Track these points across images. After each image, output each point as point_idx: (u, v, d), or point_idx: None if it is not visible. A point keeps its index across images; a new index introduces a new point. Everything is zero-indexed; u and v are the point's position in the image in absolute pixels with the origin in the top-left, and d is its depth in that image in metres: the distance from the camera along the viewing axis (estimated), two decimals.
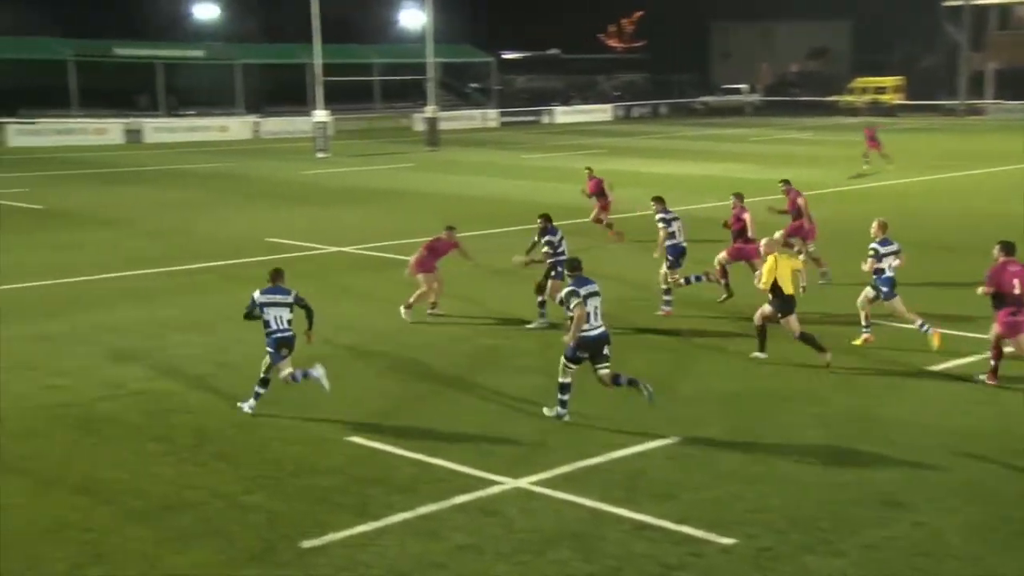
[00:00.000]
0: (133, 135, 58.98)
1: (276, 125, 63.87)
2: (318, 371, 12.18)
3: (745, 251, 17.13)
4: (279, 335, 11.98)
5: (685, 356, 14.63)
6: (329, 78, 50.74)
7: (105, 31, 67.30)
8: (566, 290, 11.77)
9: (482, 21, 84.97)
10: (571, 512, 9.29)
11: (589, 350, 11.60)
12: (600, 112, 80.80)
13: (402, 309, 16.61)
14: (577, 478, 10.05)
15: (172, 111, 66.77)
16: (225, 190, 35.45)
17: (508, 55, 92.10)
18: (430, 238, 16.80)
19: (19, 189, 35.38)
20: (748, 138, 58.88)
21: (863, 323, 14.87)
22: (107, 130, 58.63)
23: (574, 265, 12.08)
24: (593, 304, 11.58)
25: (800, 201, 19.29)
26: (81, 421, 11.88)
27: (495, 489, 9.80)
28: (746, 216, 17.27)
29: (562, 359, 11.73)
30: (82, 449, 11.05)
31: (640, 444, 10.96)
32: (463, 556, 8.47)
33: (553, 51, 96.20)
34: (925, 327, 14.47)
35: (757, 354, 14.18)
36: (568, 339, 11.62)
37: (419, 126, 60.11)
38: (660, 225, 16.84)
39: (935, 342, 14.25)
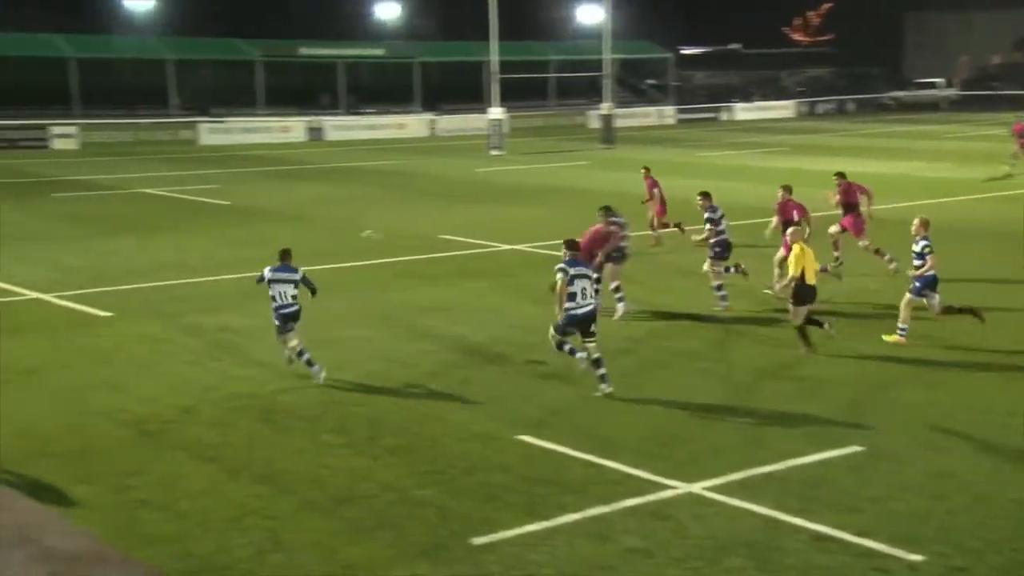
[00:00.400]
0: (315, 133, 61.07)
1: (452, 123, 65.00)
2: (317, 368, 13.38)
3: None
4: (284, 310, 13.42)
5: (871, 364, 14.17)
6: (505, 75, 51.34)
7: (291, 32, 69.92)
8: (557, 266, 12.64)
9: (661, 16, 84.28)
10: (745, 520, 9.13)
11: (578, 326, 12.53)
12: (782, 109, 79.08)
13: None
14: (752, 485, 9.86)
15: (352, 109, 68.84)
16: (401, 187, 36.30)
17: (687, 51, 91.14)
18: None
19: (209, 186, 37.11)
20: (945, 135, 56.56)
21: (902, 325, 14.86)
22: (291, 128, 60.88)
23: (571, 244, 12.99)
24: (581, 285, 12.47)
25: (860, 196, 19.57)
26: (263, 412, 12.37)
27: (667, 493, 9.71)
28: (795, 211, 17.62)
29: (551, 331, 12.70)
30: (264, 439, 11.51)
31: (818, 452, 10.67)
32: (634, 560, 8.43)
33: (734, 46, 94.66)
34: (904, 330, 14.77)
35: (806, 352, 14.29)
36: (557, 312, 12.62)
37: (594, 123, 60.14)
38: (708, 226, 17.18)
39: (890, 339, 14.84)
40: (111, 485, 10.09)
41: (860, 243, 19.51)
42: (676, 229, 23.17)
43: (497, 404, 12.37)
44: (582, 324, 12.54)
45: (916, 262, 14.81)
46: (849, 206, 19.59)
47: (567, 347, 12.91)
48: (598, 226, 16.66)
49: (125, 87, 63.80)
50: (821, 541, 8.68)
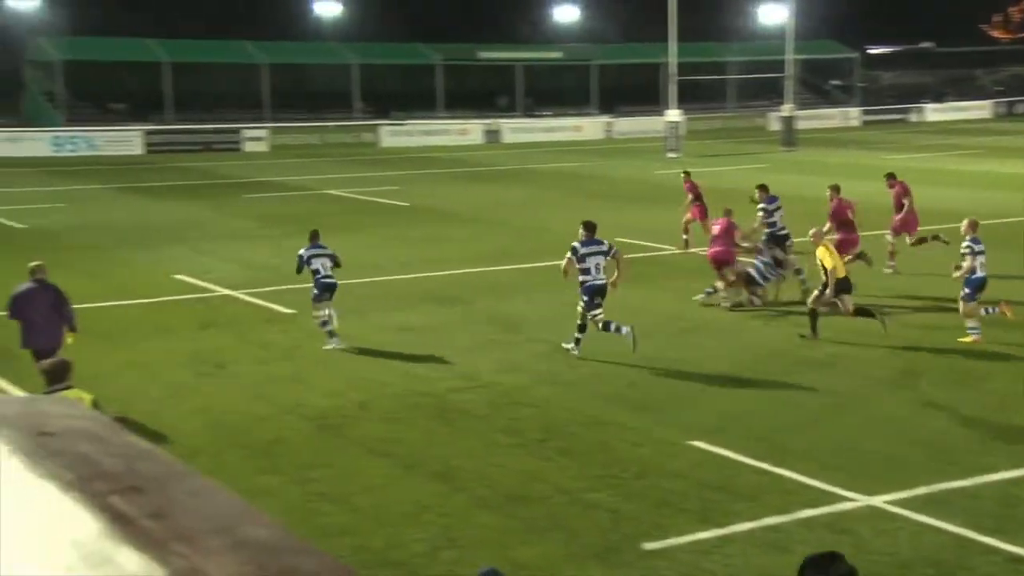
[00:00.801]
0: (492, 135, 61.90)
1: (628, 125, 64.79)
2: (336, 340, 15.07)
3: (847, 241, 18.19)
4: (325, 279, 15.20)
5: None
6: (683, 77, 50.83)
7: (470, 36, 71.09)
8: (574, 244, 14.73)
9: (846, 15, 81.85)
10: (931, 537, 8.76)
11: (589, 295, 14.50)
12: (978, 109, 75.61)
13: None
14: (939, 500, 9.45)
15: (529, 112, 69.46)
16: (576, 189, 36.40)
17: (874, 50, 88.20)
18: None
19: (390, 187, 38.09)
20: None
21: (970, 324, 14.88)
22: (469, 131, 61.89)
23: (588, 226, 14.90)
24: (594, 261, 14.58)
25: (905, 198, 20.35)
26: (437, 410, 12.60)
27: (846, 505, 9.41)
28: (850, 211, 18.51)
29: (579, 307, 14.56)
30: (438, 437, 11.72)
31: (1015, 468, 10.14)
32: None
33: (926, 44, 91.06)
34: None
35: (808, 334, 15.14)
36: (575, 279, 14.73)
37: (774, 125, 58.89)
38: (760, 215, 18.52)
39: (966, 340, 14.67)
40: (293, 477, 10.46)
41: (908, 240, 20.30)
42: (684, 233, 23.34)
43: (669, 408, 12.25)
44: (593, 294, 14.51)
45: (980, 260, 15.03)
46: (899, 206, 20.54)
47: (612, 326, 14.46)
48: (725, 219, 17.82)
49: (312, 91, 66.16)
50: (1017, 563, 8.24)
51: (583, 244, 14.73)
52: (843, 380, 13.43)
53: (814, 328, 15.14)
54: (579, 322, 14.61)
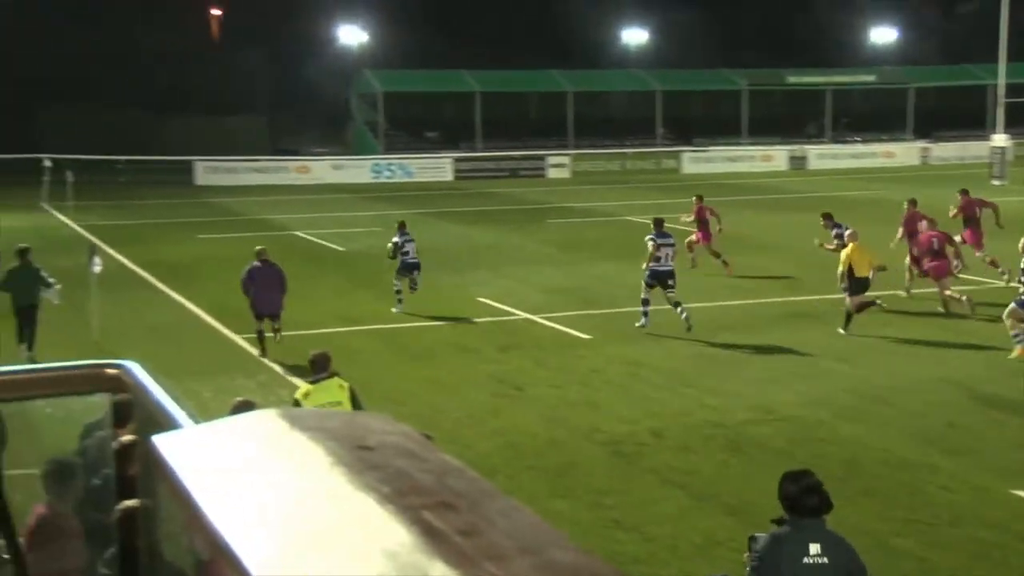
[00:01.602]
0: (797, 162, 60.44)
1: (947, 150, 61.51)
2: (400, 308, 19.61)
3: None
4: (412, 261, 20.51)
5: None
6: (1012, 99, 47.69)
7: (777, 60, 69.78)
8: (647, 236, 18.43)
9: None
10: None
11: (659, 280, 17.99)
12: None
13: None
14: None
15: (838, 138, 67.32)
16: (886, 217, 34.82)
17: None
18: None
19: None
20: None
21: (1013, 334, 15.02)
22: (773, 157, 60.73)
23: (658, 223, 18.54)
24: (665, 251, 18.08)
25: (977, 210, 22.29)
26: (731, 442, 12.39)
27: None
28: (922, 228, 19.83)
29: (642, 282, 18.05)
30: (732, 469, 11.52)
31: None
32: None
33: None
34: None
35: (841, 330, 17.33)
36: (644, 267, 18.21)
37: None
38: (835, 242, 20.03)
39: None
40: (587, 502, 10.59)
41: (977, 255, 21.75)
42: (720, 263, 24.19)
43: (988, 453, 11.46)
44: (662, 278, 18.02)
45: (1021, 278, 15.89)
46: (968, 219, 22.31)
47: (646, 308, 18.01)
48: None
49: (615, 118, 67.09)
50: None
51: (659, 236, 18.28)
52: None
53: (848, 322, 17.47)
54: (644, 296, 18.13)
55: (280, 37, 71.67)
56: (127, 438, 4.00)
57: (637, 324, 18.13)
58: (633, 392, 14.71)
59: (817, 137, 67.26)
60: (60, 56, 65.00)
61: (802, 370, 15.56)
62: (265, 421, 1.82)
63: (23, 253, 17.67)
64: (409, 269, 20.60)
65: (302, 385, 11.02)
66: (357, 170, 55.31)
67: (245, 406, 8.61)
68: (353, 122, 66.71)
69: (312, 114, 71.19)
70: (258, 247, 17.76)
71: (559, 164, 58.41)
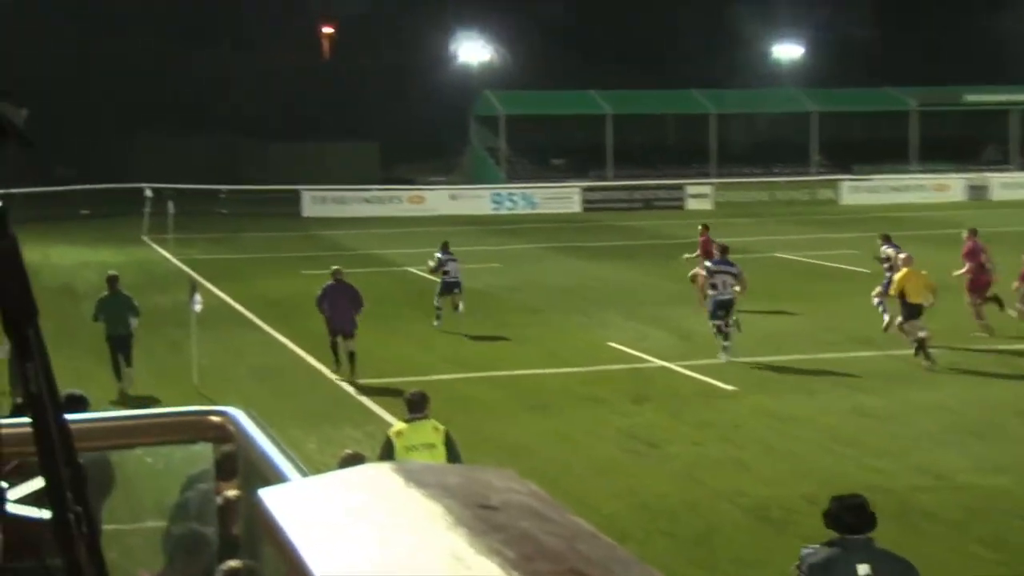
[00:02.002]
0: (977, 192, 58.87)
1: None
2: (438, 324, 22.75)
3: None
4: (451, 280, 23.15)
5: None
6: None
7: (952, 77, 68.16)
8: (705, 263, 21.07)
9: None
10: None
11: (723, 309, 19.54)
12: None
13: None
14: None
15: None
16: None
17: None
18: None
19: (847, 251, 37.25)
20: None
21: None
22: (948, 186, 59.28)
23: (723, 248, 21.17)
24: (721, 279, 19.70)
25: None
26: (897, 510, 12.08)
27: None
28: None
29: (708, 320, 19.99)
30: (901, 542, 11.19)
31: None
32: None
33: None
34: None
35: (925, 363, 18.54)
36: (702, 299, 20.92)
37: None
38: (886, 264, 22.30)
39: None
40: (727, 573, 10.45)
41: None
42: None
43: None
44: (725, 306, 19.54)
45: None
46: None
47: (725, 341, 19.49)
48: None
49: (764, 143, 66.46)
50: None
51: (715, 263, 20.22)
52: None
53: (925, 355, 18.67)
54: (717, 332, 19.67)
55: (393, 56, 73.08)
56: (231, 492, 4.12)
57: (721, 359, 19.38)
58: (782, 450, 14.48)
59: (1000, 163, 65.41)
60: (158, 80, 67.54)
61: (979, 428, 15.11)
62: (378, 475, 1.87)
63: (112, 281, 18.76)
64: (449, 288, 23.33)
65: (396, 423, 11.22)
66: (476, 200, 55.91)
67: (354, 459, 8.79)
68: (472, 148, 67.54)
69: (427, 139, 72.29)
70: (334, 267, 20.16)
71: (700, 194, 58.09)
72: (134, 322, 18.48)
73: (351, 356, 18.84)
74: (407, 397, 11.06)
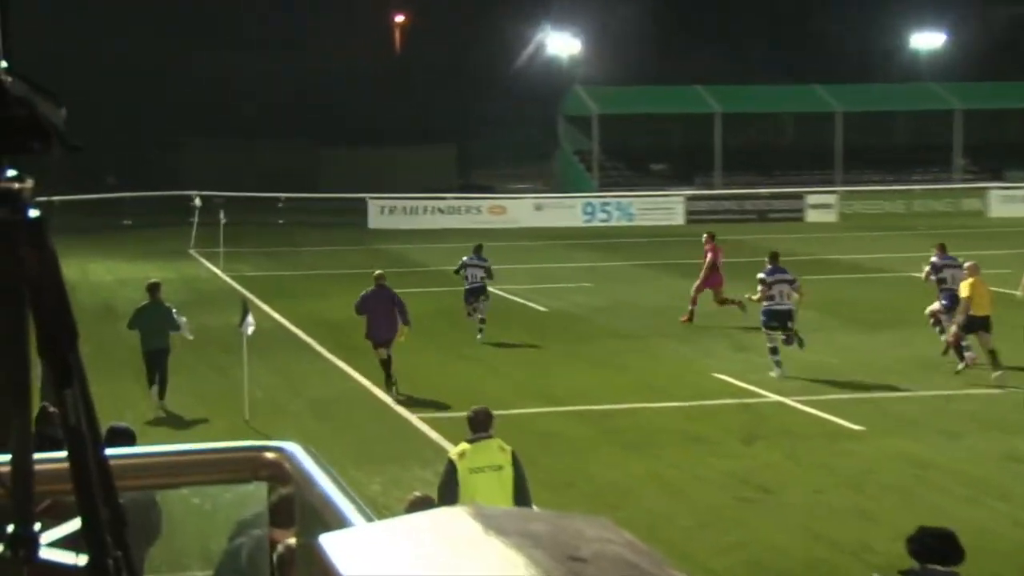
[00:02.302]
0: None
1: None
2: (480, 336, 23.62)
3: None
4: (472, 286, 24.50)
5: None
6: None
7: None
8: (759, 275, 21.74)
9: None
10: None
11: (777, 320, 21.03)
12: None
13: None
14: None
15: None
16: None
17: None
18: None
19: (998, 270, 36.61)
20: None
21: None
22: None
23: (774, 257, 22.37)
24: (779, 288, 21.20)
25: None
26: None
27: None
28: None
29: (763, 331, 21.26)
30: None
31: None
32: None
33: None
34: None
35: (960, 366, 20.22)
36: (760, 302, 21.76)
37: None
38: (932, 275, 23.12)
39: None
40: None
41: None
42: (736, 306, 26.11)
43: None
44: (779, 317, 21.08)
45: None
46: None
47: (776, 356, 20.93)
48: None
49: (898, 146, 65.68)
50: None
51: (769, 273, 21.53)
52: None
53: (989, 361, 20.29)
54: (769, 345, 21.08)
55: (472, 49, 73.36)
56: (289, 541, 4.14)
57: (772, 374, 20.70)
58: (918, 501, 14.29)
59: None
60: (208, 81, 68.55)
61: None
62: (454, 521, 1.88)
63: (153, 289, 18.97)
64: (470, 294, 24.72)
65: (459, 444, 11.26)
66: (564, 211, 55.97)
67: (424, 503, 8.83)
68: (560, 152, 67.60)
69: (509, 143, 72.50)
70: (377, 271, 21.48)
71: (822, 204, 57.57)
72: (186, 330, 18.89)
73: (385, 363, 20.02)
74: (470, 415, 11.23)
